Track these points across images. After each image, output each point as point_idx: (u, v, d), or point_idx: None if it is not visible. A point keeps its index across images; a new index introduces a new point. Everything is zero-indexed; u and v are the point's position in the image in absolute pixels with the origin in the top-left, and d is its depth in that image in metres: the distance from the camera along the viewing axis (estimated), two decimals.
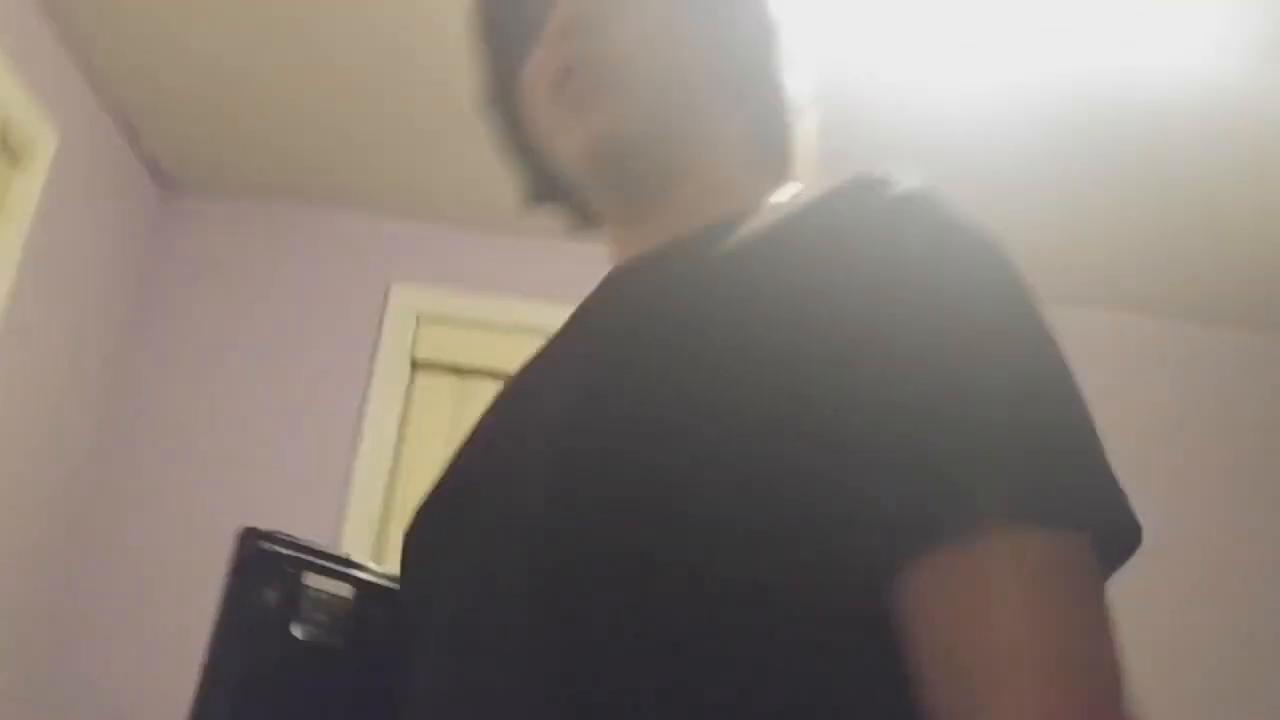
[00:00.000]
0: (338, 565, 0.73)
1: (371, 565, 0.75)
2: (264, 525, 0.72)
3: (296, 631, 0.70)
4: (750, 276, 0.64)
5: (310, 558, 0.72)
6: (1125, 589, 2.66)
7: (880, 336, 0.58)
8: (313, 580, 0.71)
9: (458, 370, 2.87)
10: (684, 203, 0.76)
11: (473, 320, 2.91)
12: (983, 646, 0.53)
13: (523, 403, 0.73)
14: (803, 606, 0.57)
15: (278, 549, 0.71)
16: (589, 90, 0.72)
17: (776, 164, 0.81)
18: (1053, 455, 0.56)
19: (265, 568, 0.70)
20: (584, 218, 0.87)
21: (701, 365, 0.60)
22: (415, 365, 2.91)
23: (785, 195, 0.77)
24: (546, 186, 0.86)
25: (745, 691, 0.56)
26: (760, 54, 0.79)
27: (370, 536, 2.69)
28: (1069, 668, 0.53)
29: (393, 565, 0.77)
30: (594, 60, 0.72)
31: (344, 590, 0.72)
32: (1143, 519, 0.59)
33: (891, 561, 0.56)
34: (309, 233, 3.05)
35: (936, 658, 0.55)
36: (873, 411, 0.57)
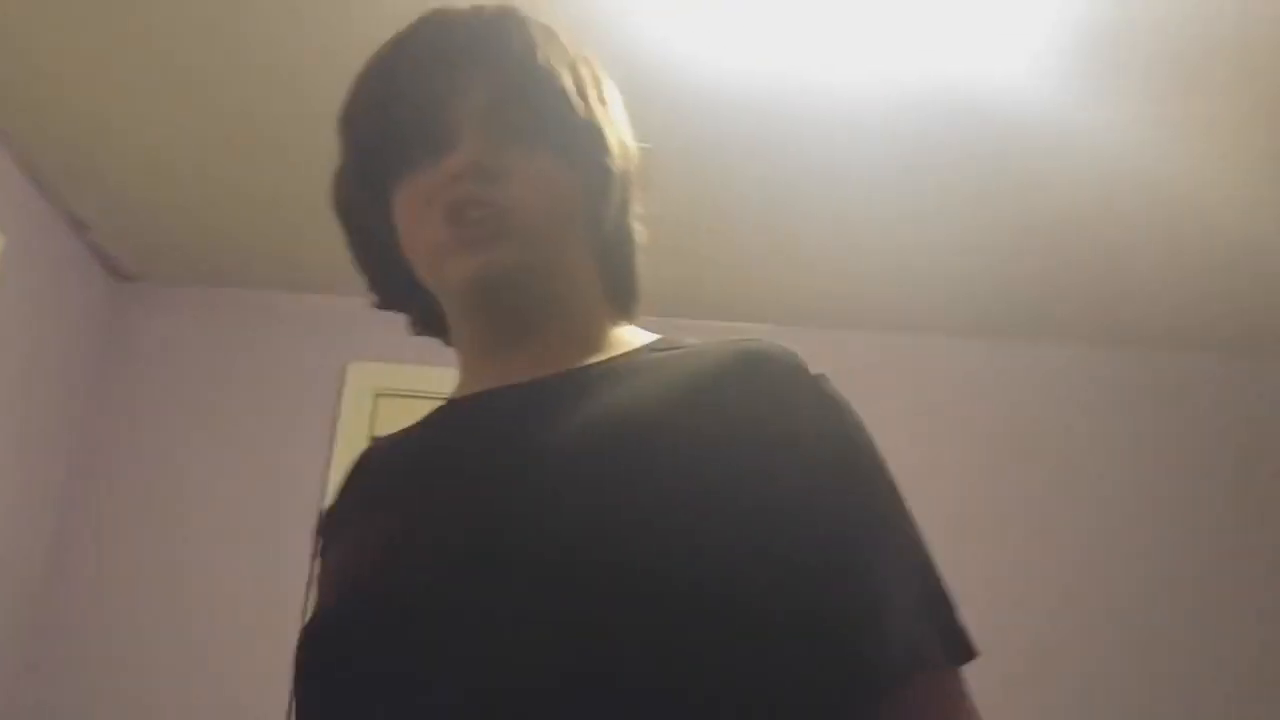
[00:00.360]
0: None
1: None
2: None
3: None
4: (705, 438, 0.74)
5: None
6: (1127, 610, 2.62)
7: (833, 517, 0.74)
8: None
9: None
10: (553, 335, 0.85)
11: (429, 393, 2.93)
12: None
13: (465, 525, 0.75)
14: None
15: None
16: (483, 232, 0.80)
17: (623, 301, 0.92)
18: (952, 616, 0.76)
19: None
20: (424, 326, 0.96)
21: (691, 531, 0.70)
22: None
23: (640, 335, 0.88)
24: (393, 292, 0.94)
25: None
26: (616, 201, 0.89)
27: None
28: None
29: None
30: (489, 205, 0.80)
31: None
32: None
33: (859, 699, 0.71)
34: (264, 316, 3.07)
35: None
36: (839, 583, 0.72)
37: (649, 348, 0.86)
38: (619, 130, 0.90)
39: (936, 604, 0.76)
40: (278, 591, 2.73)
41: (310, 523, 2.76)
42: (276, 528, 2.83)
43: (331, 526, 0.92)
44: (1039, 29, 1.99)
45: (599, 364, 0.83)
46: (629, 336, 0.89)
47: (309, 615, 0.84)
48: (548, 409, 0.79)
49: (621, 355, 0.85)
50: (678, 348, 0.84)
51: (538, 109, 0.84)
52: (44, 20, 2.12)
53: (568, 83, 0.85)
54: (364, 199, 0.89)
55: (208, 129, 2.42)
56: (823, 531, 0.72)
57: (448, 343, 0.95)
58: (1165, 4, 1.92)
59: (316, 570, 0.91)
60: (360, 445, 3.23)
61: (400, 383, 2.94)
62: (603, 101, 0.89)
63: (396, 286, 0.93)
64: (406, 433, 0.91)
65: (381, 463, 0.91)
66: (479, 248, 0.80)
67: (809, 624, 0.70)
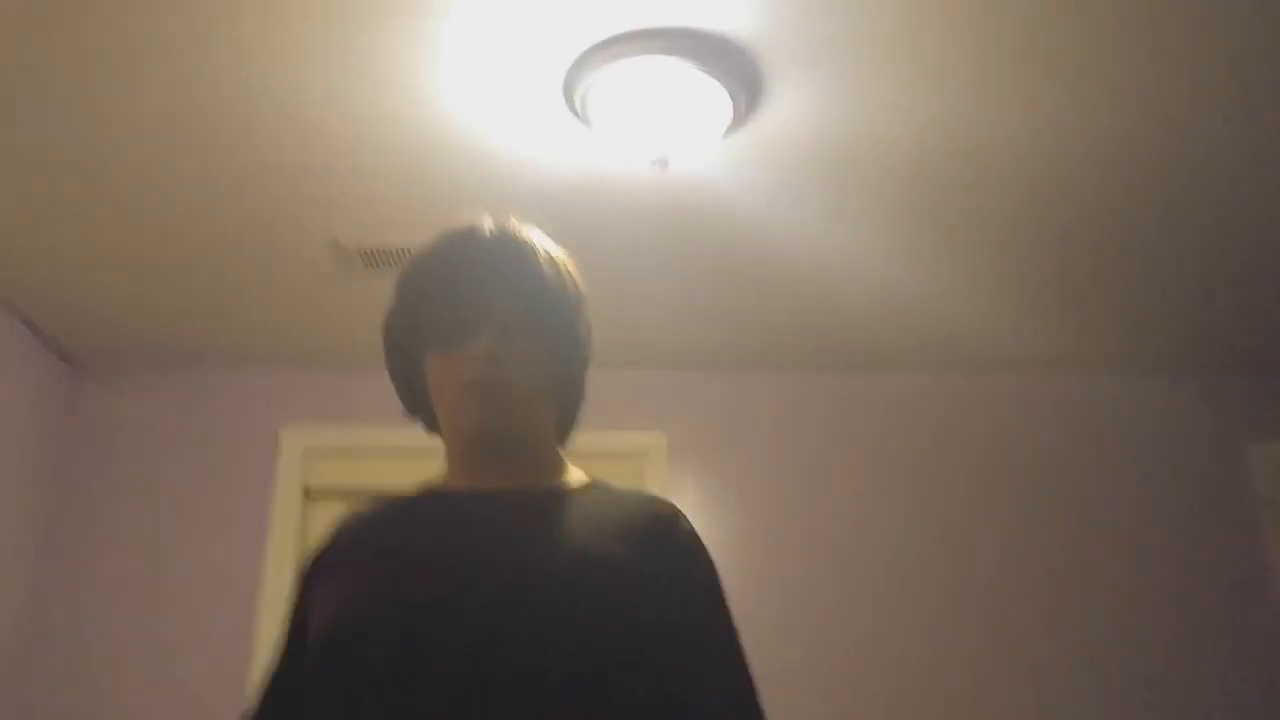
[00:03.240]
0: None
1: None
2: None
3: None
4: (648, 578, 1.11)
5: None
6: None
7: (708, 636, 1.14)
8: None
9: (347, 494, 3.17)
10: (520, 460, 1.22)
11: (357, 449, 3.26)
12: None
13: (472, 593, 1.06)
14: None
15: None
16: (490, 398, 1.18)
17: (566, 432, 1.31)
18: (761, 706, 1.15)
19: None
20: (428, 427, 1.30)
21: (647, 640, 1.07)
22: (308, 495, 3.23)
23: (579, 473, 1.26)
24: (414, 406, 1.30)
25: None
26: (581, 374, 1.29)
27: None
28: None
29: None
30: (497, 382, 1.18)
31: None
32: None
33: None
34: (204, 391, 3.38)
35: None
36: (702, 687, 1.10)
37: (589, 486, 1.24)
38: (587, 321, 1.28)
39: (750, 700, 1.13)
40: (227, 627, 3.01)
41: (253, 573, 3.04)
42: (222, 572, 3.13)
43: (317, 573, 1.21)
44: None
45: (552, 490, 1.20)
46: (565, 462, 1.27)
47: (291, 642, 1.17)
48: (516, 515, 1.15)
49: (569, 489, 1.21)
50: (604, 490, 1.24)
51: (539, 319, 1.21)
52: None
53: (561, 299, 1.23)
54: (406, 344, 1.25)
55: (133, 227, 2.67)
56: (687, 646, 1.10)
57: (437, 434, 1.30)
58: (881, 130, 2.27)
59: (298, 604, 1.21)
60: (295, 497, 3.50)
61: (328, 441, 3.26)
62: (581, 304, 1.26)
63: (417, 403, 1.28)
64: (387, 508, 1.23)
65: (367, 529, 1.21)
66: (486, 409, 1.18)
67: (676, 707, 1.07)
